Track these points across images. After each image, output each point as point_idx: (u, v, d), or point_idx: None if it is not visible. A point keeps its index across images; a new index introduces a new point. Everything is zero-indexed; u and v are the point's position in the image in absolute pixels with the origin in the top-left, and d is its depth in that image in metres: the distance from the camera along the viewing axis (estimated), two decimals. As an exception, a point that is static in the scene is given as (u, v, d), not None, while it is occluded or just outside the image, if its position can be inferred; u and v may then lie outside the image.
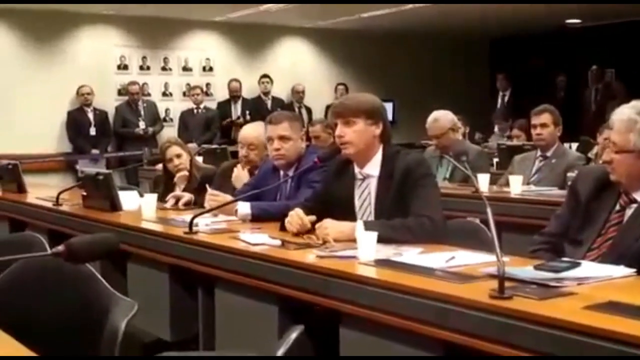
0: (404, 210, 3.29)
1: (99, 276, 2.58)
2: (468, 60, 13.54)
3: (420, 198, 3.30)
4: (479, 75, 13.60)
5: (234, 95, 11.37)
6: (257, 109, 11.13)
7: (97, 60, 10.79)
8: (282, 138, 4.08)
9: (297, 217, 3.41)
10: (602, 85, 12.04)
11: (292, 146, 4.09)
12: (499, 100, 12.07)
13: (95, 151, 10.32)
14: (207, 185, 4.20)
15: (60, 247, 1.95)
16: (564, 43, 12.90)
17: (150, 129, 10.56)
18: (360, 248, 2.88)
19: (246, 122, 9.62)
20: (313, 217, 3.40)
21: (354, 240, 2.98)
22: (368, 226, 3.09)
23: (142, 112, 10.64)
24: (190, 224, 3.62)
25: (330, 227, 3.24)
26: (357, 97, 3.58)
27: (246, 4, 9.89)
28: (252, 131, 4.77)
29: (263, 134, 4.41)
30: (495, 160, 7.53)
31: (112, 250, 2.04)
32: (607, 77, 12.29)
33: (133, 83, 10.71)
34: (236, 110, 11.33)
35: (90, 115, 10.44)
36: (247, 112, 11.09)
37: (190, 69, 11.62)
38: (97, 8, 10.31)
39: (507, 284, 2.28)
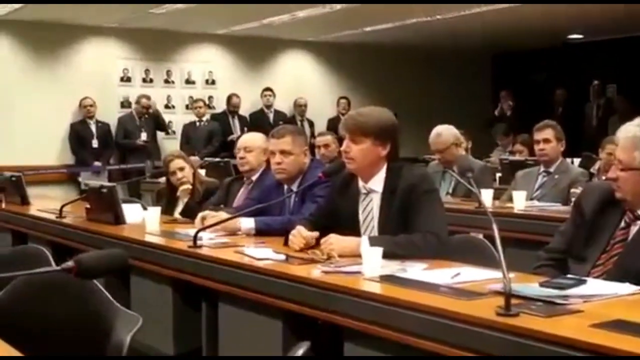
0: (408, 225, 3.29)
1: (103, 290, 2.57)
2: (471, 75, 13.57)
3: (425, 214, 3.29)
4: (482, 90, 13.62)
5: (233, 110, 11.38)
6: (259, 122, 11.14)
7: (101, 73, 10.81)
8: (283, 152, 4.09)
9: (299, 236, 3.41)
10: (604, 101, 12.06)
11: (293, 161, 4.10)
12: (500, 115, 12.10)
13: (97, 163, 10.32)
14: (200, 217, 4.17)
15: (70, 263, 1.94)
16: (566, 58, 12.93)
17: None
18: (365, 264, 2.87)
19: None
20: (316, 234, 3.40)
21: (358, 256, 2.98)
22: (373, 242, 3.08)
23: (144, 124, 10.64)
24: (195, 237, 3.62)
25: (335, 242, 3.23)
26: (370, 115, 3.46)
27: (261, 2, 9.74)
28: (248, 136, 5.01)
29: (259, 139, 4.75)
30: (498, 175, 7.52)
31: (121, 267, 2.04)
32: (608, 93, 12.31)
33: (146, 97, 10.70)
34: (234, 125, 11.32)
35: (93, 128, 10.46)
36: (245, 128, 11.08)
37: (193, 82, 11.64)
38: (100, 21, 10.34)
39: (513, 301, 2.28)
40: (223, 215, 4.04)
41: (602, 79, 12.23)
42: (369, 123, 3.41)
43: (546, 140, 5.62)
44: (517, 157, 7.92)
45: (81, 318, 2.58)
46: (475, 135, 9.53)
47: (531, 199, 5.47)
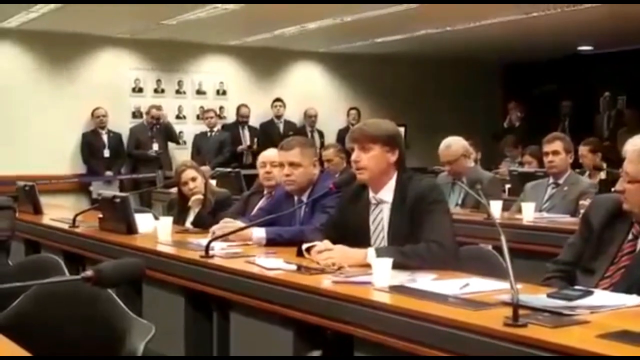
0: (417, 236, 3.32)
1: (117, 299, 2.61)
2: (481, 86, 13.58)
3: (431, 224, 3.32)
4: (492, 101, 13.64)
5: (243, 120, 11.43)
6: (270, 133, 11.20)
7: (112, 83, 10.88)
8: (292, 164, 4.13)
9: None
10: (614, 113, 12.05)
11: (302, 172, 4.14)
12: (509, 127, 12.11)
13: (109, 173, 10.38)
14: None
15: (89, 272, 1.97)
16: (576, 70, 12.93)
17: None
18: (375, 274, 2.90)
19: (259, 148, 9.66)
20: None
21: (368, 266, 3.01)
22: (379, 252, 3.12)
23: (156, 134, 10.70)
24: (207, 247, 3.66)
25: (339, 253, 3.26)
26: (375, 124, 3.57)
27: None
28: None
29: None
30: (507, 186, 7.54)
31: (138, 276, 2.08)
32: (618, 104, 12.30)
33: (156, 107, 10.75)
34: (244, 135, 11.38)
35: (105, 138, 10.52)
36: (256, 139, 11.14)
37: (204, 92, 11.70)
38: (112, 31, 10.42)
39: (520, 311, 2.31)
40: (239, 223, 4.09)
41: (612, 90, 12.22)
42: (376, 130, 3.49)
43: (555, 152, 5.63)
44: (526, 169, 7.94)
45: (95, 326, 2.61)
46: (485, 146, 9.56)
47: (540, 211, 5.48)
